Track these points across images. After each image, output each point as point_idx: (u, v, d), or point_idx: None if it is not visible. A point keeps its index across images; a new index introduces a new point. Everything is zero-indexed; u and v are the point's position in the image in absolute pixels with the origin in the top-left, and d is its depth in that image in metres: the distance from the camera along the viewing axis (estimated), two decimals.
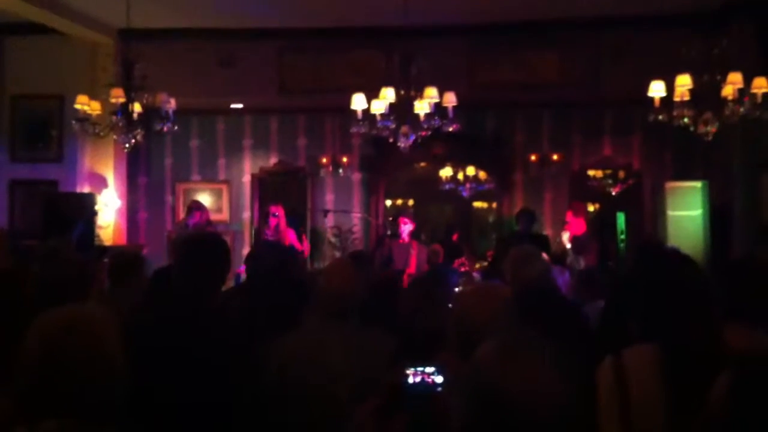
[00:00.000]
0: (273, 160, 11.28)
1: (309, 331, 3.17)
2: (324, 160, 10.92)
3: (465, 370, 1.53)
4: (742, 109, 6.56)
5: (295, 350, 3.05)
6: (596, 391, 2.53)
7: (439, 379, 1.87)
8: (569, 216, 8.00)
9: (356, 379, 2.89)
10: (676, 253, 4.57)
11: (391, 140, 7.70)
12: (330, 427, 2.27)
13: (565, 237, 7.80)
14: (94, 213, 9.53)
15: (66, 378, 1.82)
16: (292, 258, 8.01)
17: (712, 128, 6.66)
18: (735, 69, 6.64)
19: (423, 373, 1.95)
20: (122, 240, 10.35)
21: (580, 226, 7.91)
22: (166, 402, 2.73)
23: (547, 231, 9.97)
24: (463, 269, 7.95)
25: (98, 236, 9.70)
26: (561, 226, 8.26)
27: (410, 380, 1.86)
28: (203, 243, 3.33)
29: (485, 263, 8.42)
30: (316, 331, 3.15)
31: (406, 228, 8.25)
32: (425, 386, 1.96)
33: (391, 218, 9.53)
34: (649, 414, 2.42)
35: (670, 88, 6.73)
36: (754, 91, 6.65)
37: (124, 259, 4.63)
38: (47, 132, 10.17)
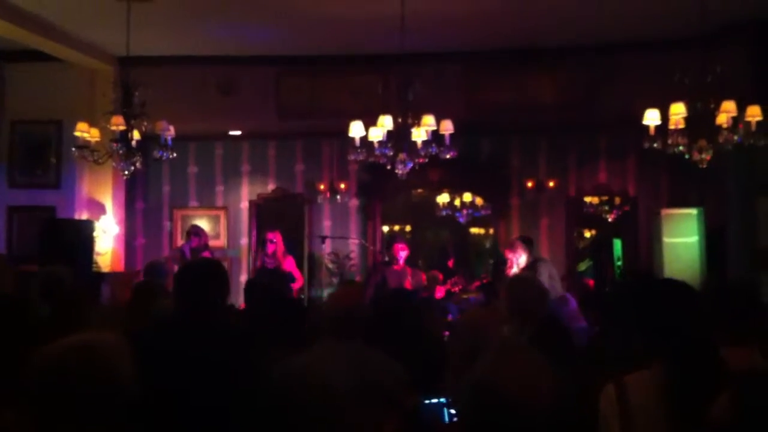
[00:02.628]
0: (271, 186, 11.32)
1: (315, 353, 3.20)
2: (321, 187, 10.98)
3: (464, 378, 1.57)
4: (736, 137, 6.61)
5: (300, 371, 3.08)
6: (589, 404, 2.56)
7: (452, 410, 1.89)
8: (507, 254, 8.05)
9: (361, 400, 2.91)
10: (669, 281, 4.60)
11: (388, 167, 7.75)
12: None
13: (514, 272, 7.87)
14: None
15: (77, 401, 1.86)
16: (288, 284, 8.12)
17: (706, 156, 6.70)
18: (729, 96, 6.69)
19: (437, 403, 1.98)
20: (120, 266, 10.36)
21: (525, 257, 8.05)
22: (175, 422, 2.76)
23: (544, 256, 9.99)
24: (456, 289, 8.01)
25: (96, 263, 9.72)
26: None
27: (426, 406, 1.88)
28: (202, 269, 3.40)
29: (478, 287, 8.46)
30: (322, 352, 3.17)
31: (402, 254, 8.29)
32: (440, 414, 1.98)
33: (385, 245, 9.56)
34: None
35: (665, 115, 6.78)
36: (748, 119, 6.70)
37: (145, 286, 4.72)
38: (46, 158, 10.20)
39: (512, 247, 8.12)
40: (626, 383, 2.54)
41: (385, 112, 7.39)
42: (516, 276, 4.07)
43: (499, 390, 1.45)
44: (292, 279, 8.33)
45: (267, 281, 6.97)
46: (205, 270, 3.37)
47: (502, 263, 8.14)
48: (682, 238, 9.22)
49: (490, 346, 1.66)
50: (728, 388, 2.23)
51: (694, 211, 9.33)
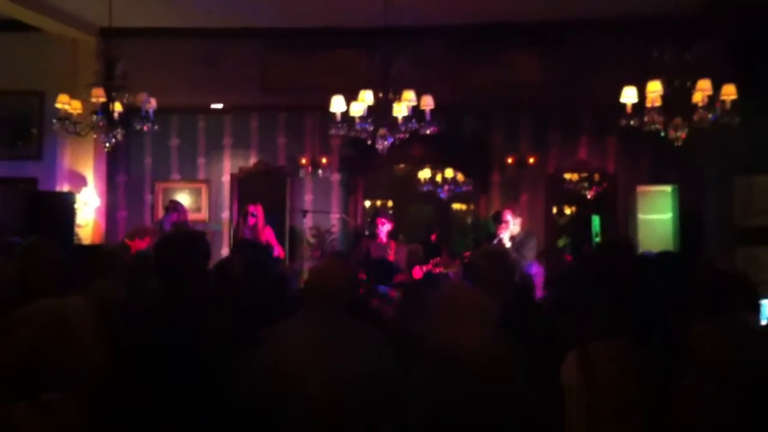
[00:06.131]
0: (253, 160, 11.32)
1: (301, 327, 3.24)
2: (303, 161, 10.99)
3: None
4: (710, 115, 6.71)
5: (290, 345, 3.13)
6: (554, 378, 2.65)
7: None
8: (507, 215, 8.21)
9: (347, 371, 2.98)
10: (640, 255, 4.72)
11: (369, 142, 7.79)
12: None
13: (505, 236, 8.06)
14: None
15: (47, 362, 1.95)
16: (270, 256, 8.16)
17: (681, 134, 6.81)
18: (706, 75, 6.78)
19: None
20: (100, 238, 10.37)
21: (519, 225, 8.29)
22: (157, 394, 2.83)
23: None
24: (437, 270, 8.02)
25: (77, 235, 9.73)
26: (501, 224, 8.39)
27: None
28: (184, 240, 3.43)
29: (459, 264, 8.48)
30: (309, 325, 3.21)
31: (385, 228, 8.28)
32: None
33: (369, 218, 9.57)
34: (614, 400, 2.53)
35: (642, 93, 6.87)
36: (724, 98, 6.80)
37: (105, 253, 4.70)
38: (27, 129, 10.18)
39: (514, 211, 8.25)
40: (590, 353, 2.63)
41: (368, 88, 7.42)
42: (487, 248, 4.14)
43: (433, 344, 1.53)
44: (272, 251, 8.38)
45: (249, 254, 6.97)
46: (184, 241, 3.39)
47: (496, 227, 8.24)
48: (657, 215, 9.36)
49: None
50: (691, 377, 2.32)
51: (668, 189, 9.44)
